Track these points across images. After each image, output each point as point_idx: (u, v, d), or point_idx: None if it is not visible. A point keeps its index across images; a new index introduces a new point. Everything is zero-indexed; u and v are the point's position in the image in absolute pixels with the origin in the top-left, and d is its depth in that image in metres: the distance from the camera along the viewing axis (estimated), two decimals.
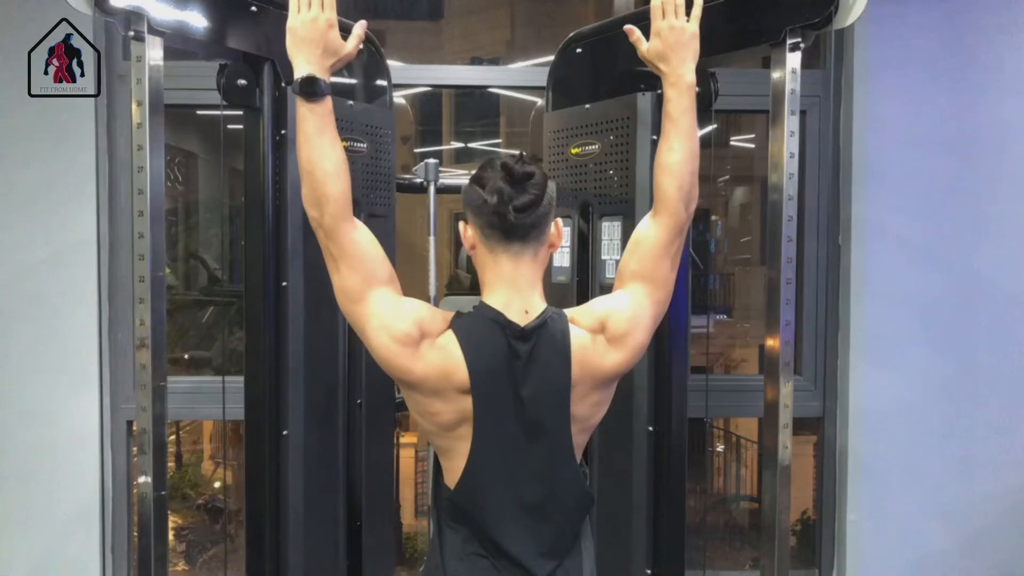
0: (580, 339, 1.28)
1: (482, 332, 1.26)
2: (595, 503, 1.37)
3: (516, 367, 1.25)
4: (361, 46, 1.36)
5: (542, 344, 1.25)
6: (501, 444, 1.25)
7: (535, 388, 1.25)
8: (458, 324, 1.27)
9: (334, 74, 1.32)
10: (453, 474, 1.29)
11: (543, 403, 1.26)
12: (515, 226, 1.24)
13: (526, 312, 1.27)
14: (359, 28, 1.33)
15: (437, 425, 1.27)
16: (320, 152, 1.25)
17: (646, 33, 1.40)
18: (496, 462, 1.26)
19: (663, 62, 1.35)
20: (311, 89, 1.25)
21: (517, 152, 1.26)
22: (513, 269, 1.27)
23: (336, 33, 1.30)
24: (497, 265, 1.28)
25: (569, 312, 1.32)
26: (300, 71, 1.27)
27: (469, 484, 1.27)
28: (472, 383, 1.23)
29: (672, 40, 1.34)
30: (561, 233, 1.35)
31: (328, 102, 1.27)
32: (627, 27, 1.42)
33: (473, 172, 1.29)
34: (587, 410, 1.31)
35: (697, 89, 1.35)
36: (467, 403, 1.24)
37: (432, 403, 1.26)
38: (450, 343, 1.25)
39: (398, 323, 1.24)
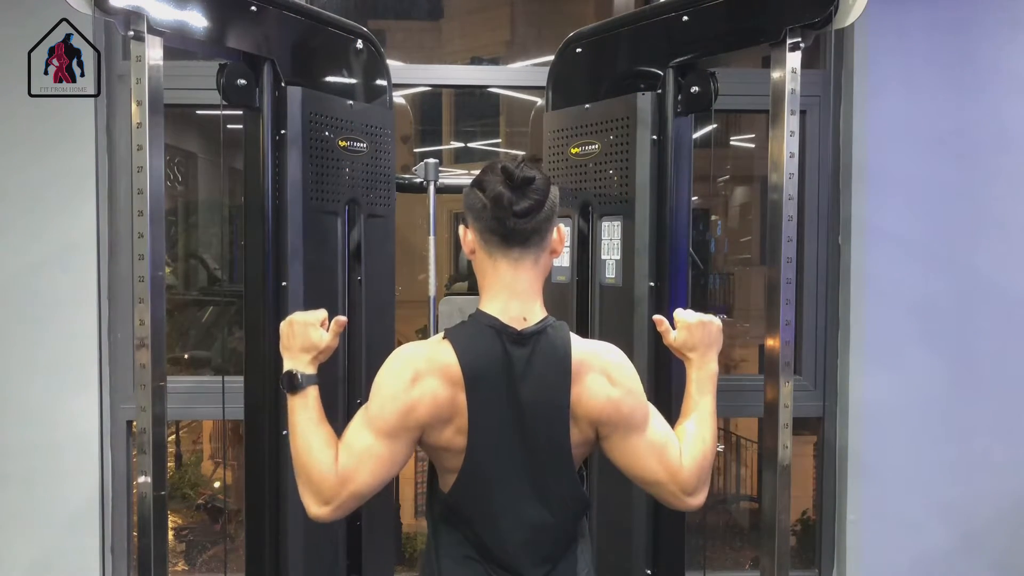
0: (582, 351, 1.27)
1: (477, 337, 1.24)
2: (590, 506, 1.35)
3: (513, 372, 1.23)
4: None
5: (540, 351, 1.24)
6: (496, 450, 1.24)
7: (533, 395, 1.23)
8: (453, 332, 1.26)
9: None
10: (448, 478, 1.28)
11: (541, 410, 1.24)
12: (514, 231, 1.23)
13: (524, 319, 1.26)
14: (336, 322, 1.33)
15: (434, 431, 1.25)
16: (307, 448, 1.23)
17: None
18: (491, 467, 1.25)
19: (692, 352, 1.41)
20: (289, 384, 1.29)
21: (520, 155, 1.25)
22: (512, 275, 1.26)
23: (312, 331, 1.32)
24: (496, 271, 1.27)
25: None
26: (285, 366, 1.32)
27: (463, 488, 1.26)
28: (467, 386, 1.21)
29: (701, 334, 1.40)
30: (563, 239, 1.33)
31: (311, 392, 1.29)
32: (656, 317, 1.48)
33: (472, 172, 1.29)
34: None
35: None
36: (462, 407, 1.22)
37: (444, 430, 1.24)
38: (444, 349, 1.23)
39: (395, 398, 1.21)
